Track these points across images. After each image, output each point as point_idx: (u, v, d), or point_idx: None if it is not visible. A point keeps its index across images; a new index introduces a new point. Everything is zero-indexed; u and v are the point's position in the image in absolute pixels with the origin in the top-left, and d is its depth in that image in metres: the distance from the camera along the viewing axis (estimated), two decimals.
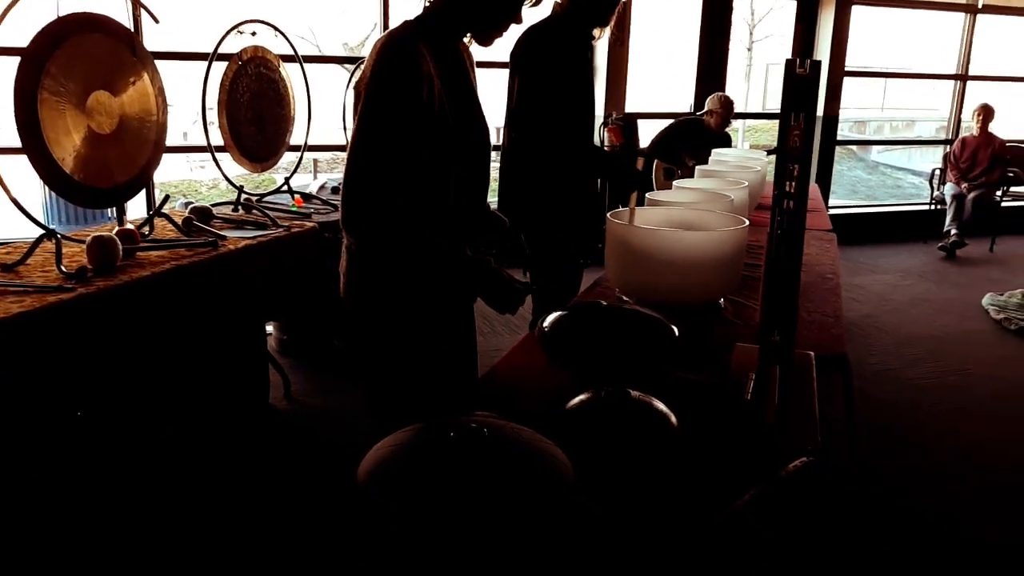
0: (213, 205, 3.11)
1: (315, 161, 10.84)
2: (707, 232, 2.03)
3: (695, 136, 5.70)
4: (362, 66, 1.56)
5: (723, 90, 6.34)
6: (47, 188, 7.12)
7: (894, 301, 5.46)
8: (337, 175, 4.77)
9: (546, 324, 1.62)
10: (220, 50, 3.07)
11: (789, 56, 7.00)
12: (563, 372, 1.64)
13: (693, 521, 1.09)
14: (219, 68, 3.14)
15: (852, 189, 12.51)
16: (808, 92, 1.15)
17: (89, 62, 2.44)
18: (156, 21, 2.68)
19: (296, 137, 3.62)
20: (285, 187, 3.54)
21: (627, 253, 2.01)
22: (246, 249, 2.78)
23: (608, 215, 2.07)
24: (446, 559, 0.89)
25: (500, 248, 1.91)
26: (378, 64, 1.45)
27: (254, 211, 3.28)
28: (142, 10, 2.82)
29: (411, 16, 1.60)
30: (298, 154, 3.71)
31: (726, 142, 5.77)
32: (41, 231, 2.40)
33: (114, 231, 2.54)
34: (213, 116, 3.11)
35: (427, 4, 1.58)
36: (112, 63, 2.53)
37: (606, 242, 2.10)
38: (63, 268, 2.32)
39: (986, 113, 7.18)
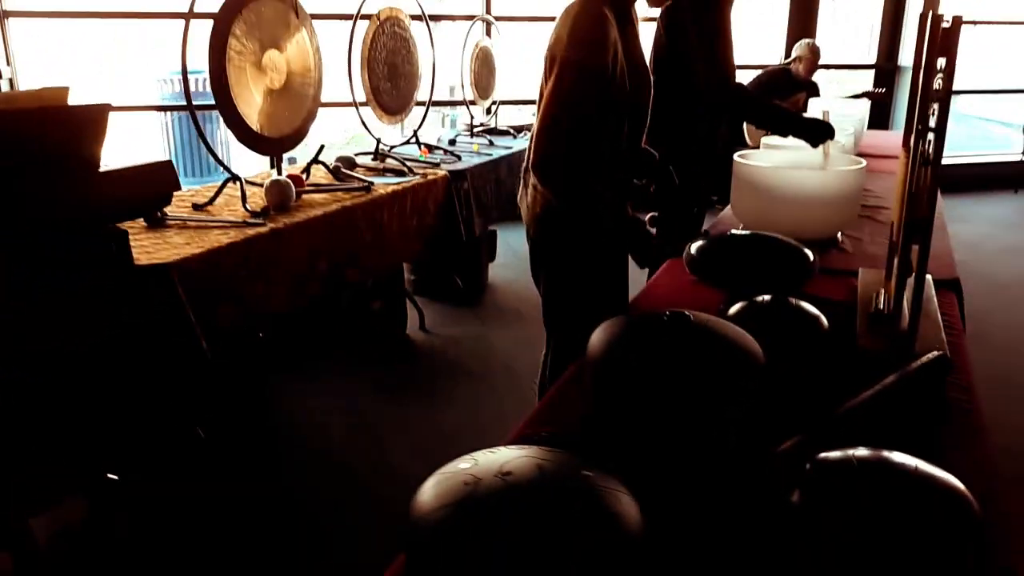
0: (355, 155, 3.43)
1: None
2: (830, 171, 2.25)
3: (785, 84, 5.81)
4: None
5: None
6: (173, 145, 7.55)
7: (986, 249, 5.53)
8: (434, 131, 5.04)
9: (694, 249, 1.88)
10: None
11: (879, 8, 6.97)
12: (707, 293, 1.91)
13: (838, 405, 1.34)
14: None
15: None
16: (952, 41, 1.37)
17: (263, 24, 2.75)
18: None
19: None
20: (413, 139, 3.85)
21: (755, 190, 2.25)
22: (393, 194, 3.10)
23: (735, 156, 2.31)
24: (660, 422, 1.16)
25: (652, 180, 2.17)
26: (573, 29, 1.69)
27: (388, 160, 3.59)
28: None
29: None
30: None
31: (815, 90, 5.87)
32: (226, 175, 2.75)
33: (278, 177, 2.87)
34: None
35: None
36: (280, 25, 2.84)
37: (734, 181, 2.33)
38: (248, 207, 2.67)
39: None
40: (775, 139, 2.84)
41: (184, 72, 2.54)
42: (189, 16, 2.49)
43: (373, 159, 3.55)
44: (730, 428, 1.17)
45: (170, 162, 2.18)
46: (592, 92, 1.69)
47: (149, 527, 2.36)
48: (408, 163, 3.53)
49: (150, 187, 2.13)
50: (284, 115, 2.88)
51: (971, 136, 12.32)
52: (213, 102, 2.61)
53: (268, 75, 2.80)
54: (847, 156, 2.46)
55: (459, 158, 3.82)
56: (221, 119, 2.68)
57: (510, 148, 4.20)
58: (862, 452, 1.02)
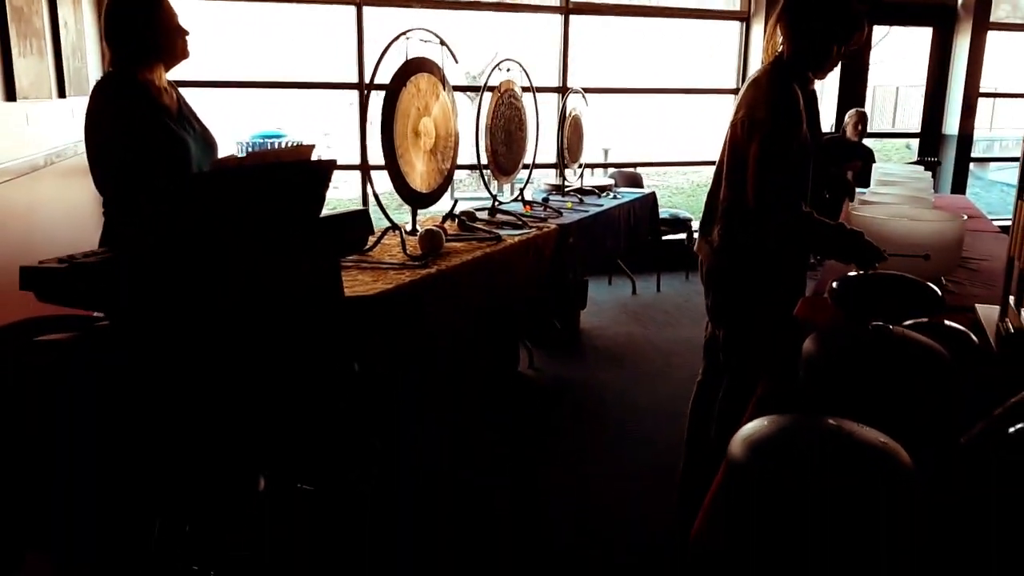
0: (476, 210, 3.82)
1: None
2: (939, 221, 2.59)
3: (841, 152, 6.22)
4: None
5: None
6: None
7: None
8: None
9: (839, 286, 2.20)
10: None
11: (923, 76, 7.38)
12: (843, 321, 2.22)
13: None
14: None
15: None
16: None
17: (420, 95, 3.15)
18: (456, 61, 3.39)
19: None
20: (520, 196, 4.24)
21: (871, 238, 2.58)
22: (519, 243, 3.46)
23: (851, 206, 2.64)
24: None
25: None
26: (773, 102, 2.08)
27: (498, 215, 3.96)
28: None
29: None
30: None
31: (871, 156, 6.26)
32: (388, 224, 3.12)
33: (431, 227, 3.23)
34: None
35: (782, 48, 2.22)
36: (431, 95, 3.24)
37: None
38: (407, 252, 3.02)
39: None
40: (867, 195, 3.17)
41: (362, 135, 2.92)
42: (368, 87, 2.89)
43: (489, 214, 3.92)
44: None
45: (367, 210, 2.53)
46: (793, 146, 2.07)
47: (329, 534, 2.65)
48: (510, 218, 3.90)
49: (353, 231, 2.49)
50: (433, 172, 3.26)
51: (1002, 202, 12.68)
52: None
53: (423, 138, 3.19)
54: (947, 212, 2.78)
55: (561, 214, 4.19)
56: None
57: (600, 206, 4.57)
58: None
